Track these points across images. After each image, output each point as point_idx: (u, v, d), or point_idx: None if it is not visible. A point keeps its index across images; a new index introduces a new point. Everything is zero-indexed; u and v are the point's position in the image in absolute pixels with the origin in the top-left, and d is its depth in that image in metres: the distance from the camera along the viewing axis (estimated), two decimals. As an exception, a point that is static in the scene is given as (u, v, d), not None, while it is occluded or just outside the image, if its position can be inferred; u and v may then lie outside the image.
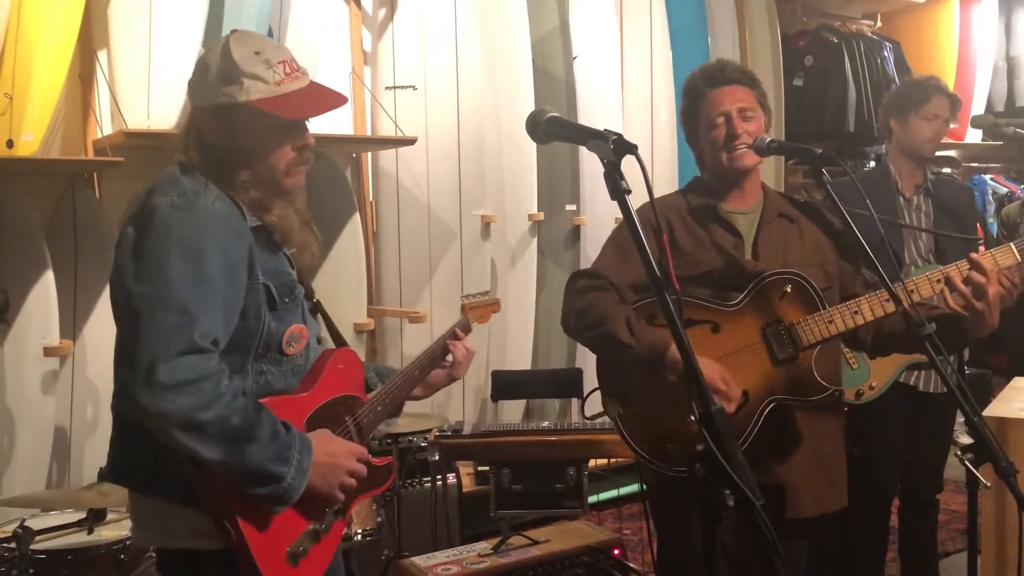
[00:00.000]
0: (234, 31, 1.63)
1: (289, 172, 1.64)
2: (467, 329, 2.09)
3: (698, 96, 2.13)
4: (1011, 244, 2.03)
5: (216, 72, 1.58)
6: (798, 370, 2.00)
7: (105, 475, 1.67)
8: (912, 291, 1.99)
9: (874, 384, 2.79)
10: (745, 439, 1.97)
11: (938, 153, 4.89)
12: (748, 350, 2.00)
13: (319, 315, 1.82)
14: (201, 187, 1.56)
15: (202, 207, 1.52)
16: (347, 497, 1.69)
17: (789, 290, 2.02)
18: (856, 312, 1.99)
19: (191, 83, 1.64)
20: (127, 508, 1.67)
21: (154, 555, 2.47)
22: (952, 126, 2.96)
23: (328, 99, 1.67)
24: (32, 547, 2.31)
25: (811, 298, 2.02)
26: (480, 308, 2.21)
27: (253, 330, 1.58)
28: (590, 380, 3.79)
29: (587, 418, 2.58)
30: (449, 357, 2.00)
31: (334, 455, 1.62)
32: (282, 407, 1.60)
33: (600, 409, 2.20)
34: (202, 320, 1.45)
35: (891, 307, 1.93)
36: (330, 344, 1.90)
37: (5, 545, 2.35)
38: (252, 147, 1.61)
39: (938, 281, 2.00)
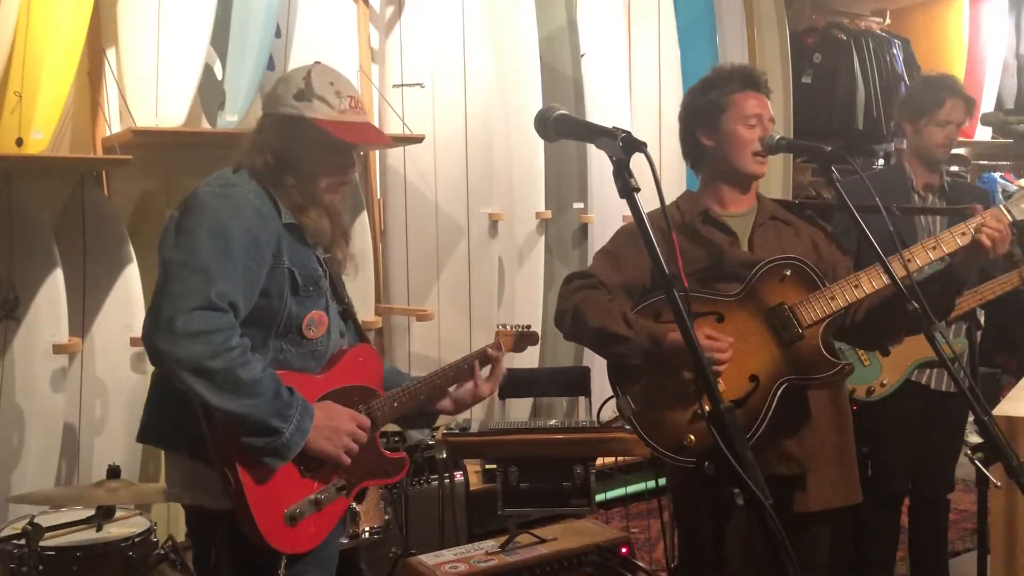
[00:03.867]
0: (317, 63, 1.88)
1: (329, 190, 1.86)
2: (500, 351, 2.13)
3: (730, 90, 2.12)
4: (1001, 205, 2.06)
5: (294, 89, 1.82)
6: (806, 349, 2.02)
7: (140, 436, 1.85)
8: (909, 260, 2.02)
9: (885, 381, 2.79)
10: (760, 423, 1.98)
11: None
12: (754, 335, 2.02)
13: (349, 320, 1.98)
14: (243, 181, 1.79)
15: (237, 195, 1.75)
16: (353, 475, 1.82)
17: (788, 273, 2.04)
18: (856, 286, 2.01)
19: (269, 93, 1.87)
20: (166, 469, 1.86)
21: (163, 551, 2.50)
22: (963, 125, 2.94)
23: (377, 137, 2.00)
24: (41, 544, 2.32)
25: (811, 279, 2.04)
26: (513, 337, 2.21)
27: (276, 309, 1.77)
28: (597, 378, 3.80)
29: (602, 424, 2.57)
30: (484, 371, 2.06)
31: (334, 418, 1.77)
32: (296, 382, 1.75)
33: (614, 415, 2.20)
34: (219, 282, 1.65)
35: (886, 279, 1.95)
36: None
37: (15, 542, 2.36)
38: (304, 159, 1.82)
39: (933, 248, 2.04)
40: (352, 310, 1.99)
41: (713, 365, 1.91)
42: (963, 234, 2.05)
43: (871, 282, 2.00)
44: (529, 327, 2.25)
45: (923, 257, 2.04)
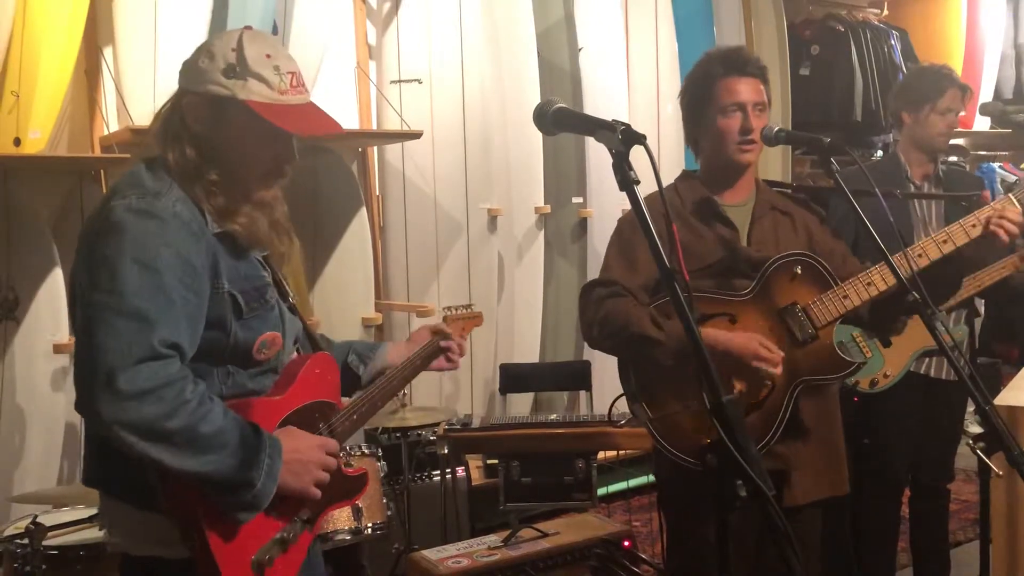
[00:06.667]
0: (248, 28, 1.59)
1: (263, 183, 1.59)
2: (450, 341, 2.00)
3: (712, 79, 2.08)
4: (1010, 194, 2.05)
5: (222, 63, 1.52)
6: (819, 349, 2.01)
7: (84, 479, 1.61)
8: (920, 255, 2.01)
9: (888, 372, 2.79)
10: (778, 425, 1.97)
11: (946, 142, 4.84)
12: (767, 336, 1.99)
13: (296, 316, 1.75)
14: (164, 187, 1.50)
15: (161, 210, 1.46)
16: (318, 505, 1.63)
17: (799, 271, 2.02)
18: (869, 284, 2.00)
19: (188, 65, 1.57)
20: (104, 512, 1.64)
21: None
22: (960, 114, 2.94)
23: (324, 122, 1.61)
24: (44, 543, 2.32)
25: (821, 276, 2.02)
26: (461, 321, 2.12)
27: (219, 339, 1.53)
28: (598, 373, 3.80)
29: (616, 427, 2.54)
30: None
31: (302, 451, 1.55)
32: (254, 409, 1.56)
33: (623, 416, 2.18)
34: (160, 327, 1.40)
35: (903, 273, 1.92)
36: (307, 347, 1.82)
37: (18, 541, 2.36)
38: (233, 147, 1.55)
39: (944, 242, 2.03)
40: (297, 308, 1.75)
41: (763, 374, 1.92)
42: (973, 226, 2.04)
43: (883, 280, 1.98)
44: (471, 306, 2.14)
45: (934, 252, 2.03)
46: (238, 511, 1.47)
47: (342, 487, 1.71)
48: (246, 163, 1.56)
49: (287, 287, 1.73)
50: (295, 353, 1.73)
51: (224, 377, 1.56)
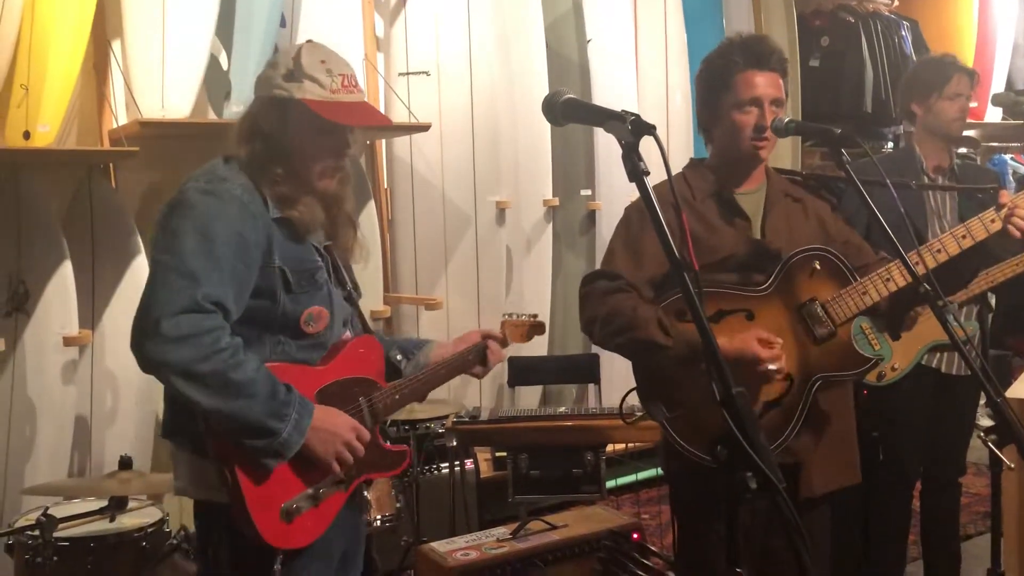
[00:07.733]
0: (309, 41, 1.81)
1: (322, 175, 1.80)
2: (504, 344, 2.12)
3: (732, 70, 2.02)
4: None
5: (283, 69, 1.76)
6: (837, 345, 1.99)
7: (162, 431, 1.84)
8: (939, 251, 2.00)
9: (896, 365, 2.77)
10: (796, 422, 1.95)
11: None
12: (786, 333, 1.96)
13: (352, 307, 1.93)
14: (232, 175, 1.73)
15: (225, 192, 1.70)
16: (350, 471, 1.78)
17: (818, 266, 2.00)
18: (888, 279, 1.97)
19: (260, 75, 1.81)
20: (172, 462, 1.83)
21: (176, 541, 2.52)
22: (972, 105, 2.91)
23: (373, 116, 1.85)
24: (55, 535, 2.34)
25: (840, 271, 2.00)
26: (521, 327, 2.19)
27: (269, 308, 1.73)
28: (606, 366, 3.80)
29: (627, 423, 2.53)
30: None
31: (334, 424, 1.73)
32: (295, 374, 1.73)
33: (635, 409, 2.16)
34: (206, 285, 1.62)
35: (921, 269, 1.90)
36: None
37: (29, 533, 2.38)
38: (295, 142, 1.76)
39: (963, 237, 2.02)
40: (354, 297, 1.93)
41: (768, 374, 1.87)
42: (992, 221, 2.03)
43: (903, 276, 1.96)
44: (536, 316, 2.22)
45: (953, 247, 2.02)
46: (264, 456, 1.66)
47: (379, 458, 1.86)
48: (306, 155, 1.77)
49: (346, 277, 1.91)
50: (346, 334, 1.88)
51: (275, 346, 1.76)
